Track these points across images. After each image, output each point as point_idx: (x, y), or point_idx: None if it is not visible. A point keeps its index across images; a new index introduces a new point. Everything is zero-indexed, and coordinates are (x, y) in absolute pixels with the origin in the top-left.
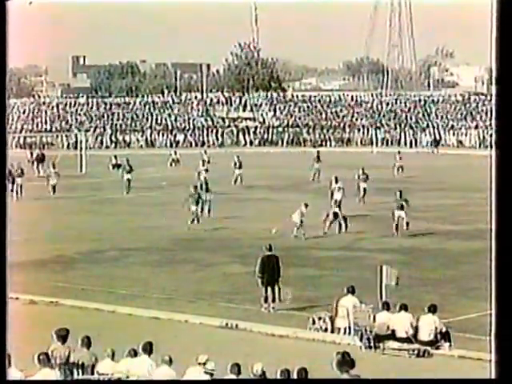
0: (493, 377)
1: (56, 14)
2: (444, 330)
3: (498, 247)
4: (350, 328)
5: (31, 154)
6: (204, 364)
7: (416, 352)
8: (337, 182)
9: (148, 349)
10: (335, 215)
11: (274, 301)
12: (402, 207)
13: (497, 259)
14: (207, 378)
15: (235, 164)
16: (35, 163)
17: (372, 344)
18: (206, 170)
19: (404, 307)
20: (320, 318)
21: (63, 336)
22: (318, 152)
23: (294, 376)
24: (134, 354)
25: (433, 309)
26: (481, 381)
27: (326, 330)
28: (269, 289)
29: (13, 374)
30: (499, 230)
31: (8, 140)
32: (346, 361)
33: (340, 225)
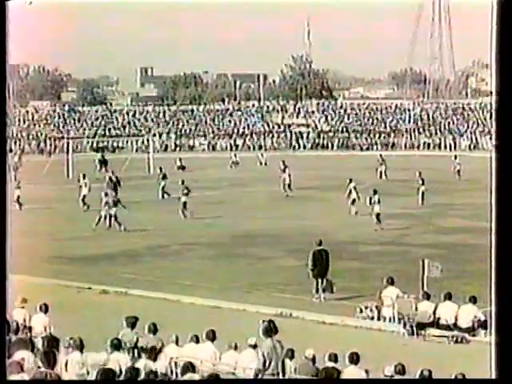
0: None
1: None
2: (483, 318)
3: (498, 247)
4: (394, 316)
5: (102, 157)
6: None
7: (455, 339)
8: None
9: (211, 336)
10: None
11: (324, 291)
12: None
13: (497, 260)
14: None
15: (281, 168)
16: (99, 165)
17: (414, 331)
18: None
19: (449, 296)
20: (366, 308)
21: (132, 323)
22: (381, 155)
23: (346, 360)
24: (197, 340)
25: (473, 299)
26: (481, 381)
27: (372, 318)
28: (319, 280)
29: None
30: (499, 230)
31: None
32: (271, 328)
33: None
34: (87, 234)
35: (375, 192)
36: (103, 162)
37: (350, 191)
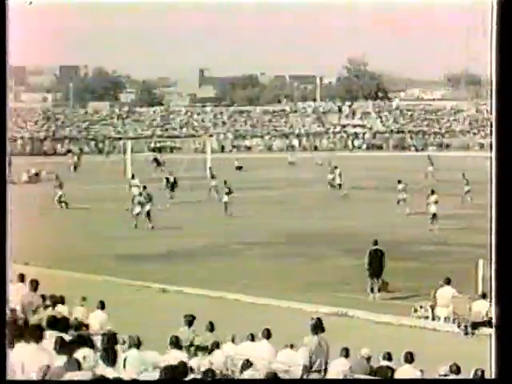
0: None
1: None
2: None
3: (498, 246)
4: (449, 316)
5: (156, 157)
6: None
7: None
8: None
9: (267, 334)
10: (433, 214)
11: (379, 291)
12: None
13: (497, 260)
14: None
15: (329, 169)
16: (154, 165)
17: (469, 330)
18: None
19: None
20: (421, 307)
21: (190, 321)
22: (429, 156)
23: (401, 359)
24: (253, 338)
25: None
26: (481, 381)
27: (426, 317)
28: (374, 280)
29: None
30: (499, 230)
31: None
32: (318, 325)
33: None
34: (144, 233)
35: (432, 192)
36: (158, 163)
37: (399, 191)
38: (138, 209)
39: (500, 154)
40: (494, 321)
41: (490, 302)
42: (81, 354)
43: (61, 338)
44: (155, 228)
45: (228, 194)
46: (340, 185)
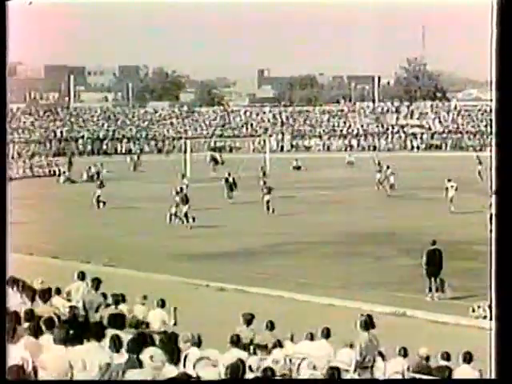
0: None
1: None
2: None
3: (498, 247)
4: None
5: (212, 156)
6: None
7: None
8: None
9: (326, 333)
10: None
11: (437, 291)
12: None
13: (497, 261)
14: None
15: (377, 169)
16: (211, 165)
17: None
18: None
19: None
20: (479, 307)
21: (249, 320)
22: (478, 156)
23: (459, 359)
24: (311, 337)
25: None
26: (481, 381)
27: (484, 317)
28: (432, 279)
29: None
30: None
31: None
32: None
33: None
34: (201, 231)
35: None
36: (216, 162)
37: (447, 189)
38: (173, 209)
39: (500, 154)
40: (493, 320)
41: (490, 301)
42: (148, 353)
43: (117, 336)
44: (217, 227)
45: (268, 193)
46: (393, 185)
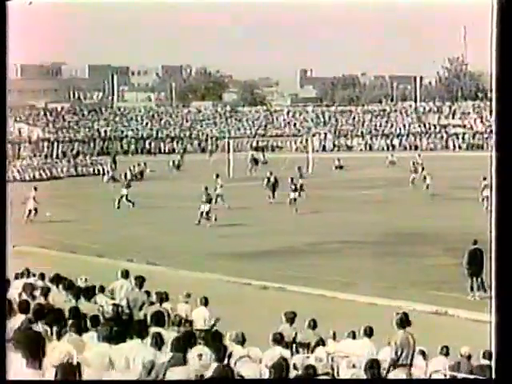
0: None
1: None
2: None
3: (498, 247)
4: None
5: (252, 156)
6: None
7: None
8: None
9: (368, 332)
10: None
11: (478, 290)
12: None
13: (497, 262)
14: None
15: (411, 169)
16: (250, 165)
17: None
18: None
19: None
20: None
21: (291, 318)
22: None
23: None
24: (353, 336)
25: None
26: (481, 381)
27: None
28: (474, 279)
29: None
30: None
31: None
32: (404, 320)
33: None
34: (246, 231)
35: None
36: (256, 162)
37: (483, 188)
38: (202, 207)
39: (500, 154)
40: (493, 320)
41: (491, 299)
42: (196, 351)
43: (159, 333)
44: (257, 226)
45: (295, 190)
46: (428, 185)
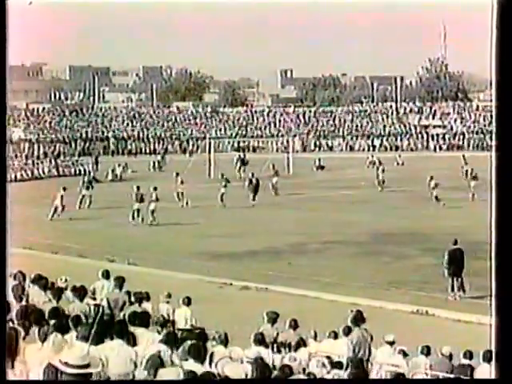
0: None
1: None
2: None
3: (498, 247)
4: None
5: (239, 157)
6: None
7: None
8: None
9: (347, 331)
10: None
11: (459, 290)
12: None
13: (497, 262)
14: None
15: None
16: (238, 165)
17: None
18: None
19: None
20: None
21: (273, 318)
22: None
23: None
24: (335, 336)
25: None
26: (481, 381)
27: None
28: (454, 279)
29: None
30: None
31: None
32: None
33: None
34: (230, 231)
35: None
36: (242, 162)
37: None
38: (134, 206)
39: (500, 154)
40: (493, 320)
41: (490, 300)
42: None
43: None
44: (239, 226)
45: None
46: (383, 181)
